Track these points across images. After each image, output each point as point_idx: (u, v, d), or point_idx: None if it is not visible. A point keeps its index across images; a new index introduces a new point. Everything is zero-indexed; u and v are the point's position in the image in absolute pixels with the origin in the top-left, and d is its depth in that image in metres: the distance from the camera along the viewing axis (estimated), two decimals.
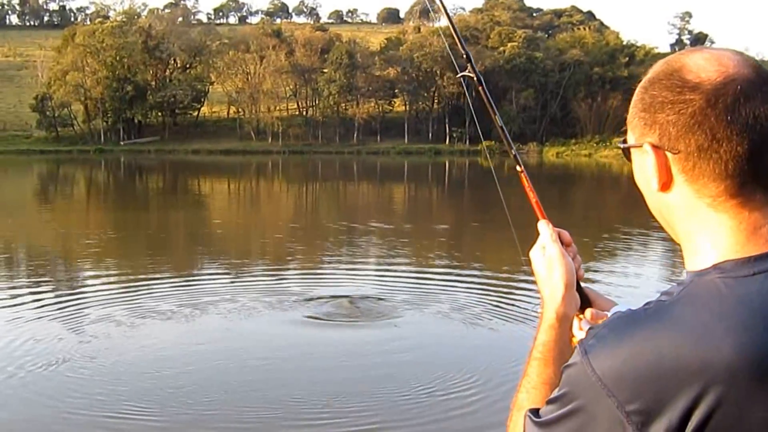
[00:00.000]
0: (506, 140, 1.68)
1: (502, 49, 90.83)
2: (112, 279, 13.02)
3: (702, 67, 1.04)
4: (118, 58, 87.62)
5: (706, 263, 1.06)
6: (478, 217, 24.77)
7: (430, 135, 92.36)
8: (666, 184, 1.09)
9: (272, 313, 10.00)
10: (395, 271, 13.75)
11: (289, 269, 14.24)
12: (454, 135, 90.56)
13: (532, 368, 1.31)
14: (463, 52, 1.77)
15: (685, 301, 1.01)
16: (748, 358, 0.93)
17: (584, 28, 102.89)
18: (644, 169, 1.11)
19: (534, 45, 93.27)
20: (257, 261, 15.65)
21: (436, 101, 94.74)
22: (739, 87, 1.02)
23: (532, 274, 1.45)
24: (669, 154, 1.06)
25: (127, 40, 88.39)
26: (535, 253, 1.44)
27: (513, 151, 1.67)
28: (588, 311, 1.42)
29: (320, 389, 7.19)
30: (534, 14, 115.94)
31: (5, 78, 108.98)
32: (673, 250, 15.54)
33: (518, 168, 1.63)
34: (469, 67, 1.76)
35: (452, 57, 1.78)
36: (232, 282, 12.39)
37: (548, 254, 1.42)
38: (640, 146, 1.10)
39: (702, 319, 0.97)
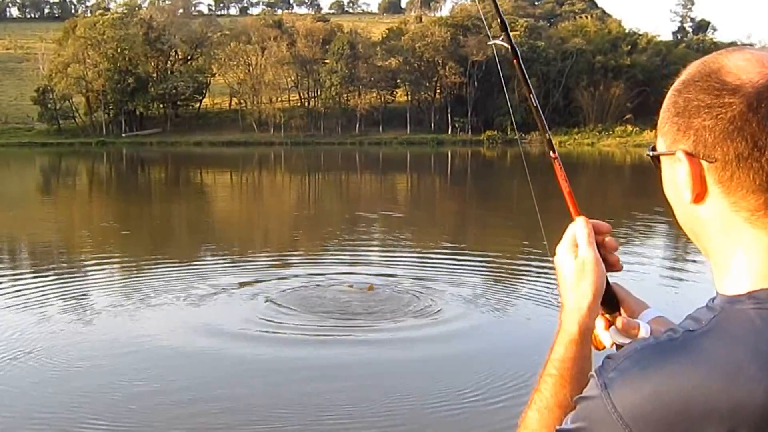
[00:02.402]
0: (540, 123, 1.53)
1: (503, 37, 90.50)
2: (112, 269, 13.04)
3: (743, 68, 0.95)
4: (119, 50, 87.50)
5: (740, 288, 0.96)
6: (483, 205, 24.75)
7: (432, 125, 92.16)
8: (700, 195, 0.99)
9: (274, 303, 9.98)
10: (400, 258, 13.73)
11: (291, 259, 14.18)
12: (456, 125, 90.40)
13: (546, 385, 1.18)
14: (498, 18, 1.55)
15: (716, 334, 0.92)
16: None
17: (586, 17, 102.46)
18: (675, 179, 1.02)
19: (536, 34, 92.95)
20: (260, 251, 15.62)
21: (438, 91, 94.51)
22: None
23: (555, 274, 1.28)
24: (704, 163, 0.97)
25: (128, 32, 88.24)
26: (564, 254, 1.26)
27: (547, 135, 1.51)
28: (619, 320, 1.28)
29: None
30: (536, 3, 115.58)
31: (6, 71, 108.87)
32: (677, 236, 15.54)
33: (552, 154, 1.47)
34: (503, 36, 1.54)
35: (483, 21, 1.52)
36: (234, 273, 12.36)
37: (582, 258, 1.23)
38: (673, 154, 1.01)
39: (735, 356, 0.88)
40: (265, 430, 6.11)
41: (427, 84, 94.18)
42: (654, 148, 1.06)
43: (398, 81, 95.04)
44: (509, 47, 1.56)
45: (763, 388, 0.85)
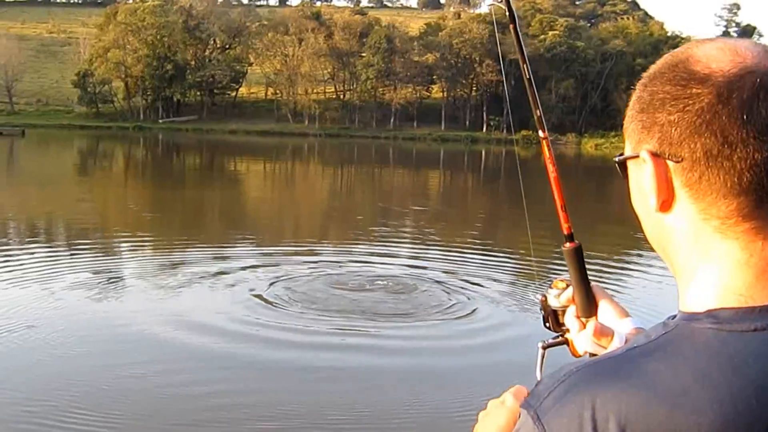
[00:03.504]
0: (533, 99, 1.41)
1: (542, 37, 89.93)
2: (140, 251, 13.18)
3: (713, 56, 0.85)
4: (158, 37, 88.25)
5: (702, 305, 0.85)
6: (515, 204, 24.64)
7: (467, 122, 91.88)
8: (666, 202, 0.88)
9: (302, 293, 10.03)
10: (428, 253, 13.72)
11: (319, 250, 14.21)
12: (492, 123, 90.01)
13: None
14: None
15: (663, 354, 0.81)
16: None
17: (628, 18, 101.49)
18: (640, 185, 0.91)
19: (576, 34, 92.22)
20: (287, 241, 15.66)
21: (474, 88, 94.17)
22: (758, 80, 0.82)
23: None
24: (670, 164, 0.86)
25: (167, 20, 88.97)
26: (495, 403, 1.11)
27: (538, 113, 1.42)
28: (591, 324, 1.24)
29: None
30: (577, 2, 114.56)
31: (49, 54, 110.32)
32: None
33: (541, 134, 1.41)
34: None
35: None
36: (259, 261, 12.38)
37: (500, 401, 1.10)
38: (637, 156, 0.90)
39: (681, 380, 0.78)
40: (271, 427, 6.12)
41: (464, 81, 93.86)
42: (621, 155, 0.95)
43: (434, 77, 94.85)
44: (506, 11, 1.47)
45: (710, 420, 0.75)
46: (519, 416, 0.87)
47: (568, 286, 1.32)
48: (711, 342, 0.81)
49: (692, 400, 0.76)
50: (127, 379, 6.79)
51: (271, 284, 10.41)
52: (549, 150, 1.37)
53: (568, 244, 1.33)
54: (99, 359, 7.28)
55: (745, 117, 0.81)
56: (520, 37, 1.42)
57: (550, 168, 1.36)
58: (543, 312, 1.37)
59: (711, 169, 0.83)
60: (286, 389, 6.79)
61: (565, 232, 1.34)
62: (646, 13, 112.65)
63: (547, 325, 1.37)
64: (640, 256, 14.28)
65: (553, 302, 1.35)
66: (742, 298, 0.84)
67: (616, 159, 0.95)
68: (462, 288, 10.68)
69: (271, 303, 9.42)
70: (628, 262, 13.66)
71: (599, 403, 0.78)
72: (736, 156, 0.82)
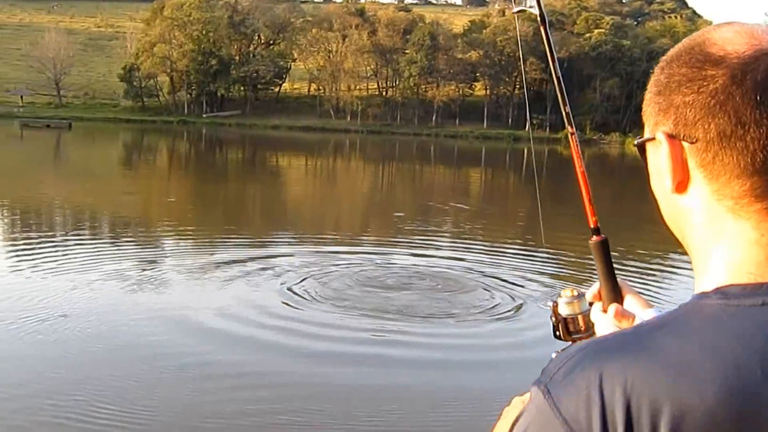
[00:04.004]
0: (561, 96, 1.40)
1: (588, 35, 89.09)
2: (184, 244, 13.29)
3: (729, 39, 0.87)
4: (204, 32, 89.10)
5: (712, 284, 0.87)
6: (556, 204, 24.41)
7: (510, 120, 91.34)
8: (682, 183, 0.90)
9: (344, 290, 10.03)
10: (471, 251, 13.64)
11: (358, 245, 14.19)
12: (534, 122, 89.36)
13: None
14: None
15: (670, 328, 0.83)
16: (734, 409, 0.76)
17: (675, 17, 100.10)
18: (657, 167, 0.94)
19: (622, 32, 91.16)
20: (326, 235, 15.66)
21: (517, 86, 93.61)
22: None
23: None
24: (686, 145, 0.88)
25: (213, 15, 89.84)
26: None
27: (566, 109, 1.40)
28: (612, 307, 1.25)
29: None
30: (623, 0, 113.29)
31: (96, 48, 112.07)
32: None
33: (570, 129, 1.40)
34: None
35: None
36: (298, 255, 12.38)
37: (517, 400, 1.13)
38: (654, 138, 0.93)
39: (686, 352, 0.79)
40: (299, 421, 6.06)
41: (507, 79, 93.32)
42: (641, 137, 0.98)
43: (477, 74, 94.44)
44: (538, 14, 1.46)
45: (714, 390, 0.76)
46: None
47: (579, 295, 1.30)
48: (718, 316, 0.82)
49: (697, 370, 0.77)
50: (159, 372, 6.84)
51: (305, 279, 10.40)
52: (576, 145, 1.39)
53: (594, 238, 1.35)
54: (129, 351, 7.34)
55: (758, 98, 0.82)
56: (550, 38, 1.42)
57: (578, 162, 1.38)
58: (553, 320, 1.33)
59: (725, 150, 0.84)
60: (320, 386, 6.72)
61: (592, 226, 1.36)
62: (694, 12, 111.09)
63: (557, 334, 1.32)
64: (682, 259, 14.05)
65: (564, 310, 1.31)
66: (751, 275, 0.85)
67: (635, 143, 0.99)
68: (504, 287, 10.57)
69: (306, 299, 9.40)
70: (668, 264, 13.42)
71: (606, 375, 0.79)
72: (749, 136, 0.83)
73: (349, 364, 7.39)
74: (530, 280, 11.24)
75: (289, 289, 9.84)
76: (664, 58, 0.94)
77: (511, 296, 10.11)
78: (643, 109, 0.97)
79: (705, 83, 0.85)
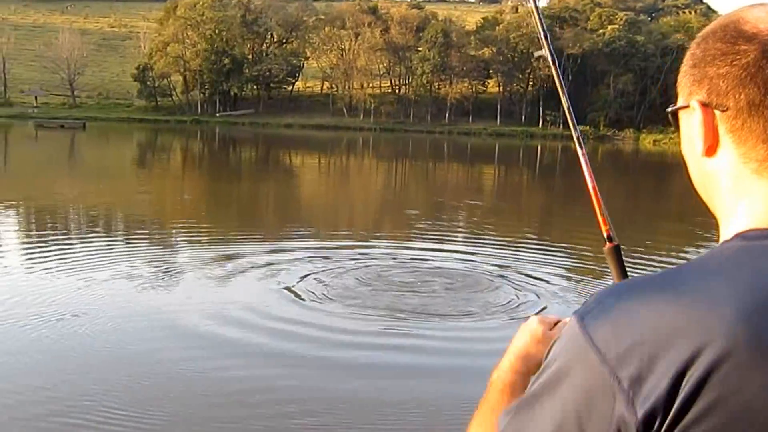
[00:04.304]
0: (571, 121, 1.58)
1: (601, 31, 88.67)
2: (197, 242, 13.30)
3: (762, 18, 0.96)
4: (217, 32, 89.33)
5: (734, 233, 0.97)
6: (571, 200, 24.36)
7: (523, 117, 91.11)
8: (712, 147, 1.00)
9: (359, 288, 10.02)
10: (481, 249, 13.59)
11: (372, 242, 14.15)
12: (548, 118, 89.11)
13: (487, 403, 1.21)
14: (540, 30, 1.69)
15: (694, 266, 0.93)
16: (752, 326, 0.83)
17: (690, 12, 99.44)
18: (690, 132, 1.03)
19: (635, 28, 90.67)
20: (340, 233, 15.64)
21: (530, 83, 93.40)
22: None
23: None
24: (717, 113, 0.98)
25: (226, 14, 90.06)
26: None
27: (576, 133, 1.56)
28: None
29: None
30: None
31: (110, 48, 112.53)
32: None
33: (580, 150, 1.52)
34: (545, 49, 1.68)
35: (541, 31, 1.70)
36: (311, 253, 12.35)
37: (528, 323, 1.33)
38: (688, 106, 1.02)
39: (709, 282, 0.88)
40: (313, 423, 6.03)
41: (520, 75, 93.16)
42: (674, 105, 1.07)
43: (490, 71, 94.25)
44: (549, 56, 1.70)
45: (733, 311, 0.84)
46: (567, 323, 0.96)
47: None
48: (737, 252, 0.92)
49: (716, 294, 0.85)
50: (170, 372, 6.84)
51: (319, 278, 10.39)
52: (587, 164, 1.50)
53: (608, 244, 1.45)
54: (140, 350, 7.34)
55: None
56: (561, 79, 1.62)
57: (588, 179, 1.48)
58: None
59: (753, 117, 0.94)
60: (334, 387, 6.63)
61: (605, 235, 1.46)
62: (708, 7, 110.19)
63: None
64: (696, 252, 13.95)
65: None
66: None
67: (669, 110, 1.07)
68: (525, 284, 10.51)
69: (319, 298, 9.38)
70: (683, 259, 13.35)
71: (635, 304, 0.89)
72: None
73: (369, 368, 7.32)
74: (548, 276, 11.17)
75: (306, 289, 9.82)
76: (699, 34, 1.04)
77: (536, 294, 10.03)
78: (678, 81, 1.06)
79: (738, 57, 0.94)
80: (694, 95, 1.01)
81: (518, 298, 9.77)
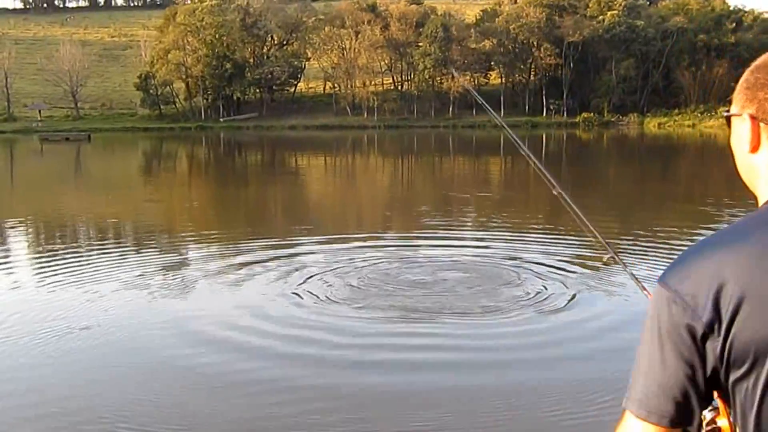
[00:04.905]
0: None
1: (601, 18, 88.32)
2: (208, 248, 13.32)
3: None
4: (217, 37, 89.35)
5: None
6: (579, 187, 24.28)
7: (527, 107, 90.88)
8: (755, 147, 1.36)
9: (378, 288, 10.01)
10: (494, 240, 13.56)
11: (383, 239, 14.13)
12: (551, 107, 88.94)
13: None
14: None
15: (734, 225, 1.32)
16: (763, 265, 1.22)
17: None
18: (740, 134, 1.39)
19: (635, 13, 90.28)
20: (351, 232, 15.59)
21: (532, 73, 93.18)
22: None
23: None
24: (762, 125, 1.34)
25: (225, 18, 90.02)
26: None
27: (555, 191, 1.87)
28: None
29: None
30: None
31: (111, 58, 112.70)
32: None
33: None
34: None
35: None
36: (324, 254, 12.32)
37: None
38: (740, 115, 1.38)
39: (746, 222, 1.30)
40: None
41: (522, 66, 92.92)
42: (729, 110, 1.43)
43: (492, 63, 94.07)
44: None
45: (747, 256, 1.24)
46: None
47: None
48: (761, 212, 1.32)
49: (750, 230, 1.28)
50: (188, 379, 6.83)
51: (334, 277, 10.38)
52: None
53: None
54: (156, 359, 7.34)
55: None
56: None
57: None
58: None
59: None
60: (349, 391, 6.61)
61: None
62: None
63: None
64: (707, 232, 13.90)
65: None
66: None
67: (725, 114, 1.45)
68: (544, 275, 10.48)
69: (332, 299, 9.37)
70: (695, 238, 13.29)
71: (696, 255, 1.30)
72: None
73: (397, 368, 7.25)
74: (564, 265, 11.15)
75: (318, 290, 9.82)
76: (755, 63, 1.40)
77: (563, 284, 10.00)
78: (735, 94, 1.42)
79: None
80: (746, 109, 1.37)
81: (546, 289, 9.71)
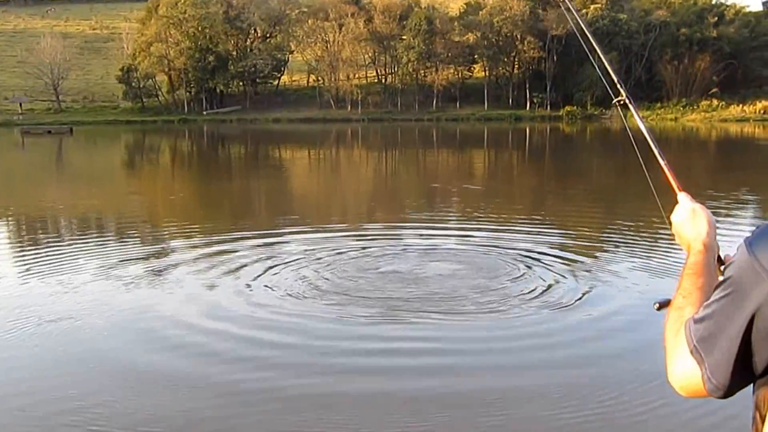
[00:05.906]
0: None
1: (584, 11, 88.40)
2: (190, 241, 13.22)
3: None
4: (200, 29, 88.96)
5: None
6: (563, 180, 24.36)
7: (510, 101, 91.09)
8: None
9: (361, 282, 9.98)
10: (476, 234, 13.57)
11: (368, 232, 14.10)
12: (535, 101, 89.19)
13: (685, 280, 1.59)
14: (616, 79, 2.36)
15: None
16: None
17: None
18: None
19: (618, 6, 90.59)
20: (336, 224, 15.53)
21: (516, 66, 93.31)
22: None
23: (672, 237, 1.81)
24: None
25: (208, 11, 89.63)
26: (677, 213, 1.82)
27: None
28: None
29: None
30: None
31: (93, 50, 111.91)
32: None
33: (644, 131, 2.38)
34: (622, 93, 2.30)
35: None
36: (307, 246, 12.27)
37: (690, 206, 1.81)
38: None
39: None
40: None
41: (505, 59, 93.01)
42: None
43: (476, 56, 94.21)
44: (628, 102, 2.53)
45: None
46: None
47: None
48: None
49: None
50: (167, 374, 6.79)
51: (320, 272, 10.32)
52: (639, 120, 2.20)
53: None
54: (132, 354, 7.24)
55: None
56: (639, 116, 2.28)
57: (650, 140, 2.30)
58: None
59: None
60: (338, 392, 6.55)
61: (677, 190, 2.00)
62: None
63: None
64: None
65: None
66: None
67: None
68: (539, 267, 10.48)
69: (319, 293, 9.34)
70: None
71: None
72: None
73: (407, 370, 7.18)
74: (553, 257, 11.14)
75: (307, 285, 9.77)
76: None
77: (569, 277, 9.88)
78: None
79: None
80: None
81: (555, 281, 9.65)
